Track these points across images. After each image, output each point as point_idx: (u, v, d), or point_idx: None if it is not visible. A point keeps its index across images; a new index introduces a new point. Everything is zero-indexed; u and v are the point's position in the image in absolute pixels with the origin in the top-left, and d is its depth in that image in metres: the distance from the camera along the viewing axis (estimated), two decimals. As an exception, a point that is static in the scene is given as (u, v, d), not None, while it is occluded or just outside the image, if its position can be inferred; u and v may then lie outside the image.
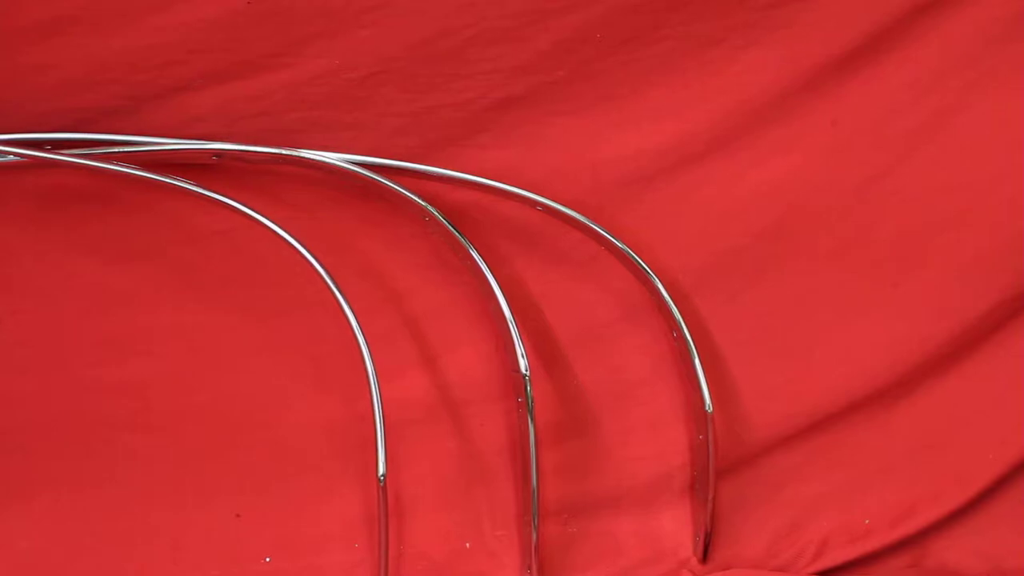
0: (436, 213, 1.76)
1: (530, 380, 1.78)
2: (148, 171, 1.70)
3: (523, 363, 1.78)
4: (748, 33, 1.80)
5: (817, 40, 1.83)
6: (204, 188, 1.71)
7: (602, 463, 1.94)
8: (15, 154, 1.68)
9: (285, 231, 1.71)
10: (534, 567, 1.88)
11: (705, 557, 1.96)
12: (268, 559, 1.88)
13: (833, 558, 1.98)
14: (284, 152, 1.73)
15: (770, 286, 1.91)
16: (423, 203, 1.76)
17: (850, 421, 1.98)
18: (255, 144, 1.74)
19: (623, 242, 1.80)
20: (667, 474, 1.95)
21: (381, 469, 1.72)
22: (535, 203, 1.78)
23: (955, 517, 2.01)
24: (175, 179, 1.71)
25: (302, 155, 1.74)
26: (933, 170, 1.90)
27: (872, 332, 1.94)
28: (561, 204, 1.78)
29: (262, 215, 1.71)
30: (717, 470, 1.90)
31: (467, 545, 1.92)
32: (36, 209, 1.78)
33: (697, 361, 1.83)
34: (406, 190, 1.75)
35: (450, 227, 1.76)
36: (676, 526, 1.96)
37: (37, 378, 1.83)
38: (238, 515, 1.88)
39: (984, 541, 2.01)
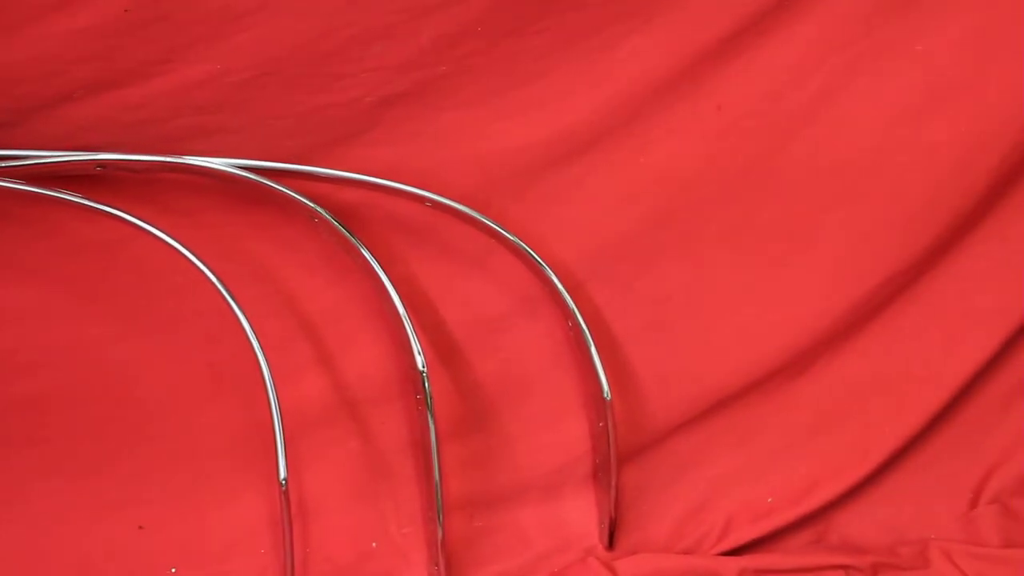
0: (324, 213, 1.75)
1: (427, 376, 1.78)
2: (32, 185, 1.69)
3: (419, 360, 1.77)
4: (628, 21, 1.81)
5: (698, 25, 1.83)
6: (90, 199, 1.69)
7: (504, 455, 1.94)
8: None
9: (173, 239, 1.69)
10: (441, 563, 1.88)
11: (611, 543, 1.97)
12: (174, 569, 1.87)
13: (738, 537, 1.99)
14: (168, 159, 1.72)
15: (663, 272, 1.92)
16: (311, 204, 1.75)
17: (749, 401, 2.00)
18: (139, 152, 1.72)
19: (514, 234, 1.80)
20: (569, 463, 1.96)
21: (282, 473, 1.72)
22: (423, 199, 1.78)
23: (856, 491, 2.03)
24: (60, 192, 1.70)
25: (187, 162, 1.73)
26: (818, 150, 1.91)
27: (766, 312, 1.96)
28: (450, 199, 1.77)
29: (149, 224, 1.69)
30: (619, 456, 1.90)
31: (374, 545, 1.92)
32: (-81, 228, 1.76)
33: (593, 349, 1.83)
34: (293, 192, 1.75)
35: (339, 227, 1.76)
36: (581, 514, 1.97)
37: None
38: (141, 527, 1.87)
39: (886, 513, 2.04)
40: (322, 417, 1.89)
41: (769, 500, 2.01)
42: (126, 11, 1.65)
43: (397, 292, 1.77)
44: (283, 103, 1.76)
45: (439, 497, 1.82)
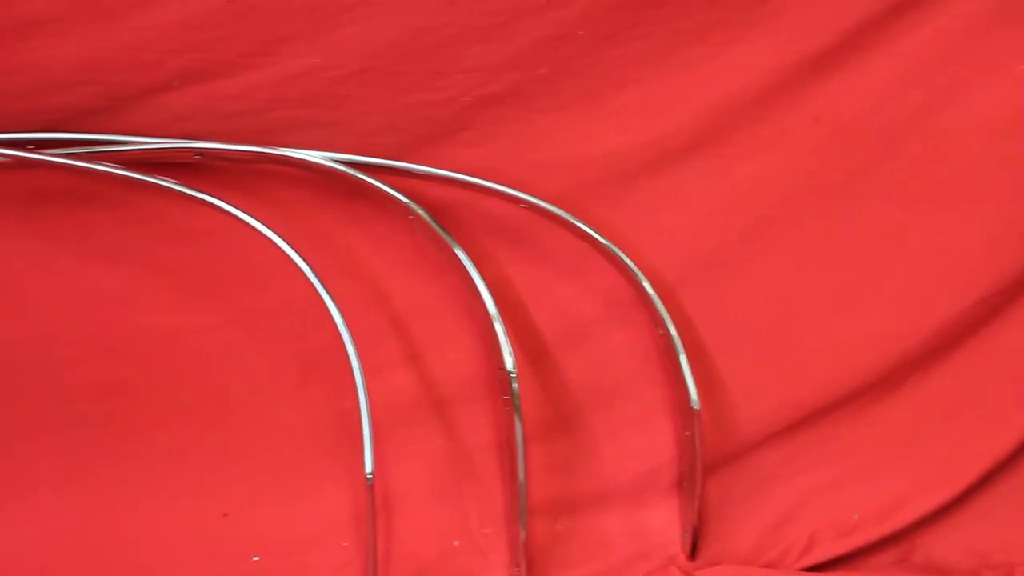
0: (420, 211, 1.76)
1: (516, 378, 1.78)
2: (131, 170, 1.70)
3: (509, 361, 1.77)
4: (730, 30, 1.80)
5: (799, 36, 1.83)
6: (187, 187, 1.70)
7: (589, 460, 1.94)
8: (-2, 154, 1.68)
9: (269, 229, 1.70)
10: (522, 565, 1.87)
11: (693, 553, 1.96)
12: (256, 558, 1.87)
13: (821, 553, 1.97)
14: (267, 151, 1.73)
15: (755, 282, 1.91)
16: (407, 201, 1.76)
17: (837, 416, 1.98)
18: (238, 143, 1.73)
19: (607, 239, 1.80)
20: (654, 470, 1.95)
21: (369, 467, 1.72)
22: (519, 200, 1.77)
23: (943, 512, 2.01)
24: (158, 178, 1.71)
25: (285, 153, 1.74)
26: (916, 167, 1.90)
27: (858, 327, 1.94)
28: (545, 201, 1.77)
29: (246, 213, 1.70)
30: (704, 466, 1.89)
31: (455, 543, 1.92)
32: (20, 209, 1.78)
33: (683, 357, 1.83)
34: (390, 188, 1.75)
35: (434, 225, 1.76)
36: (664, 522, 1.96)
37: (24, 377, 1.84)
38: (225, 514, 1.88)
39: (972, 536, 2.01)
40: (409, 413, 1.89)
41: (854, 517, 1.99)
42: (229, 2, 1.66)
43: (489, 292, 1.77)
44: (380, 99, 1.76)
45: (523, 499, 1.82)
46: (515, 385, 1.78)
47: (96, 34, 1.66)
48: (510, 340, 1.80)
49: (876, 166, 1.90)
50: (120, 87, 1.70)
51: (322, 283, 1.72)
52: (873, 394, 1.98)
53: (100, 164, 1.70)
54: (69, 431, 1.84)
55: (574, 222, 1.78)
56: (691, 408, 1.84)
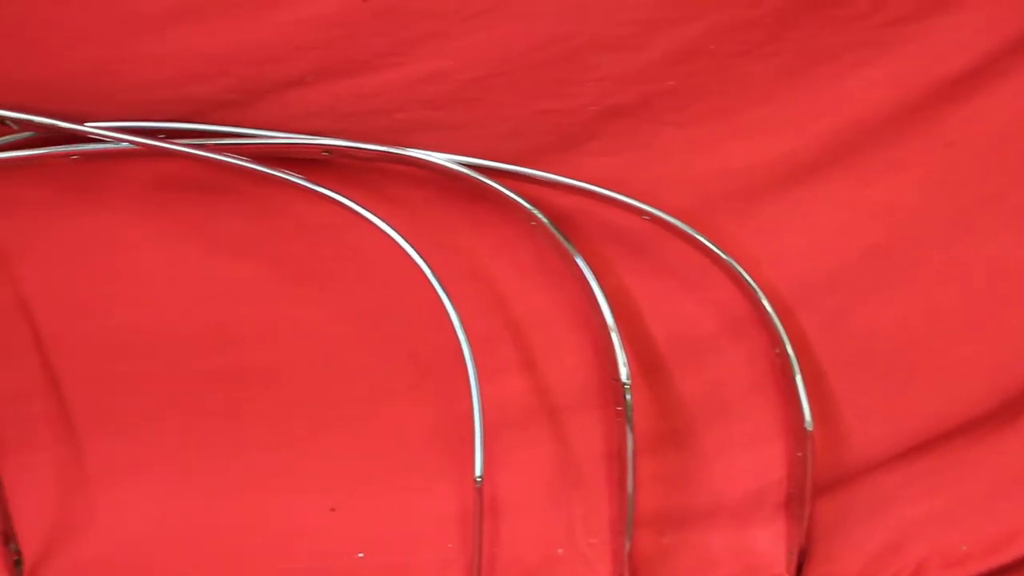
0: (542, 217, 1.76)
1: (630, 389, 1.77)
2: (258, 164, 1.71)
3: (624, 372, 1.77)
4: (863, 51, 1.78)
5: (935, 60, 1.80)
6: (313, 183, 1.72)
7: (698, 475, 1.93)
8: (129, 141, 1.70)
9: (392, 228, 1.71)
10: (626, 576, 1.87)
11: (799, 575, 1.93)
12: (361, 554, 1.89)
13: (928, 582, 1.95)
14: (394, 151, 1.74)
15: (876, 305, 1.89)
16: (529, 207, 1.76)
17: (953, 444, 1.96)
18: (365, 141, 1.74)
19: (728, 254, 1.79)
20: (763, 489, 1.94)
21: (478, 470, 1.72)
22: (642, 212, 1.77)
23: (1056, 548, 1.97)
24: (285, 173, 1.72)
25: (411, 154, 1.74)
26: (1049, 196, 1.86)
27: (979, 354, 1.92)
28: (668, 214, 1.76)
29: (369, 211, 1.71)
30: (814, 488, 1.87)
31: (560, 551, 1.92)
32: (147, 197, 1.81)
33: (799, 377, 1.81)
34: (513, 193, 1.75)
35: (556, 232, 1.76)
36: (770, 542, 1.95)
37: (141, 363, 1.86)
38: (333, 509, 1.90)
39: (1085, 573, 1.98)
40: (520, 419, 1.90)
41: (963, 548, 1.96)
42: (364, 2, 1.67)
43: (607, 302, 1.77)
44: (508, 105, 1.76)
45: (631, 510, 1.81)
46: (629, 396, 1.78)
47: (234, 27, 1.67)
48: (625, 351, 1.79)
49: (1006, 193, 1.87)
50: (252, 81, 1.71)
51: (441, 284, 1.72)
52: (990, 424, 1.95)
53: (228, 156, 1.71)
54: (188, 418, 1.87)
55: (696, 236, 1.78)
56: (804, 429, 1.82)
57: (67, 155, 1.74)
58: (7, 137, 1.74)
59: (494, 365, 1.85)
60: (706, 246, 1.78)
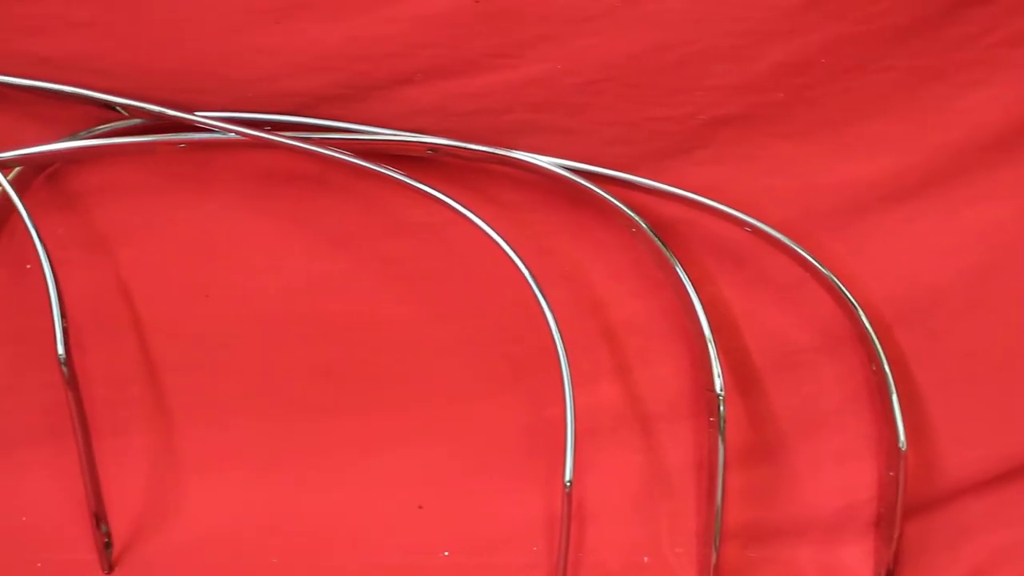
0: (644, 225, 1.76)
1: (724, 400, 1.76)
2: (363, 159, 1.72)
3: (718, 383, 1.76)
4: (975, 71, 1.76)
5: (1050, 82, 1.78)
6: (417, 180, 1.72)
7: (788, 490, 1.92)
8: (236, 132, 1.71)
9: (492, 229, 1.71)
10: (711, 588, 1.86)
11: (886, 595, 1.93)
12: (446, 553, 1.89)
13: (1014, 609, 1.93)
14: (498, 152, 1.74)
15: (975, 326, 1.87)
16: (631, 214, 1.76)
17: (1046, 473, 1.93)
18: (470, 141, 1.74)
19: (829, 269, 1.78)
20: (852, 507, 1.93)
21: (568, 475, 1.72)
22: (744, 223, 1.76)
23: None
24: (389, 169, 1.73)
25: (516, 156, 1.75)
26: None
27: (1081, 381, 1.89)
28: (770, 226, 1.76)
29: (472, 211, 1.71)
30: (904, 508, 1.86)
31: (645, 559, 1.92)
32: (250, 188, 1.83)
33: (894, 396, 1.80)
34: (615, 199, 1.76)
35: (656, 240, 1.76)
36: (857, 561, 1.93)
37: (235, 353, 1.88)
38: (420, 506, 1.90)
39: None
40: (611, 425, 1.90)
41: (1051, 577, 1.95)
42: (476, 2, 1.67)
43: (705, 312, 1.76)
44: (616, 110, 1.76)
45: (719, 522, 1.80)
46: (722, 408, 1.77)
47: (347, 22, 1.68)
48: (720, 362, 1.78)
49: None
50: (362, 76, 1.72)
51: (539, 287, 1.72)
52: (1086, 455, 1.92)
53: (333, 150, 1.72)
54: (282, 410, 1.89)
55: (797, 250, 1.77)
56: (898, 448, 1.81)
57: (174, 143, 1.75)
58: (116, 123, 1.76)
59: (588, 370, 1.86)
60: (807, 260, 1.78)
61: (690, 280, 1.77)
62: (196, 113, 1.71)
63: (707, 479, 1.85)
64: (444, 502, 1.91)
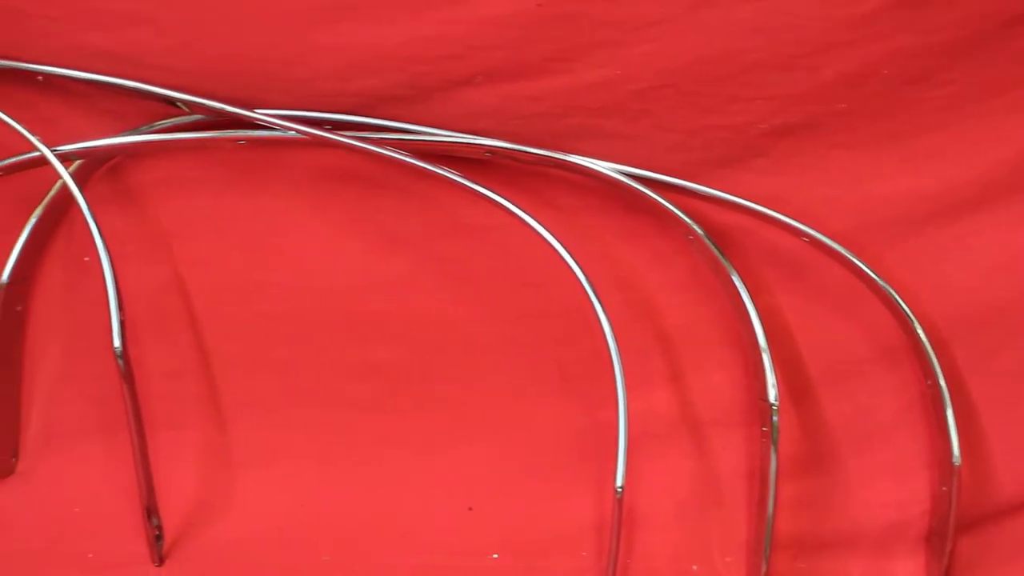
0: (700, 232, 1.76)
1: (777, 410, 1.76)
2: (421, 160, 1.72)
3: (772, 392, 1.76)
4: None
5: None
6: (474, 182, 1.72)
7: (839, 502, 1.91)
8: (296, 130, 1.72)
9: (549, 232, 1.71)
10: (759, 597, 1.86)
11: (936, 611, 1.91)
12: (495, 555, 1.89)
13: (1065, 629, 1.91)
14: (556, 156, 1.75)
15: (1031, 345, 1.85)
16: (688, 221, 1.76)
17: (1098, 492, 1.91)
18: (528, 145, 1.74)
19: (886, 282, 1.77)
20: (904, 521, 1.91)
21: (619, 480, 1.72)
22: (801, 233, 1.76)
23: None
24: (447, 171, 1.73)
25: (574, 160, 1.75)
26: None
27: None
28: (828, 237, 1.75)
29: (528, 214, 1.71)
30: (957, 524, 1.84)
31: (694, 568, 1.91)
32: (309, 186, 1.84)
33: (949, 412, 1.79)
34: (673, 206, 1.75)
35: (713, 247, 1.76)
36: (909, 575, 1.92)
37: (292, 350, 1.89)
38: (470, 508, 1.90)
39: None
40: (663, 431, 1.89)
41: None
42: (539, 6, 1.67)
43: (760, 321, 1.76)
44: (674, 117, 1.76)
45: (769, 531, 1.80)
46: (775, 418, 1.76)
47: (407, 23, 1.68)
48: (775, 372, 1.77)
49: None
50: (423, 77, 1.72)
51: (595, 292, 1.72)
52: None
53: (391, 150, 1.72)
54: (334, 408, 1.89)
55: (855, 261, 1.76)
56: (952, 463, 1.80)
57: (234, 140, 1.76)
58: (177, 119, 1.78)
59: (641, 376, 1.85)
60: (864, 272, 1.77)
61: (746, 288, 1.77)
62: (256, 111, 1.72)
63: (758, 488, 1.85)
64: (494, 504, 1.91)
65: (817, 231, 1.76)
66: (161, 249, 1.85)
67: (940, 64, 1.73)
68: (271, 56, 1.71)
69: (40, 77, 1.73)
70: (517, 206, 1.72)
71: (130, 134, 1.77)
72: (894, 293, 1.77)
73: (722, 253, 1.77)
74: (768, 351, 1.76)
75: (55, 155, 1.69)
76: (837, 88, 1.73)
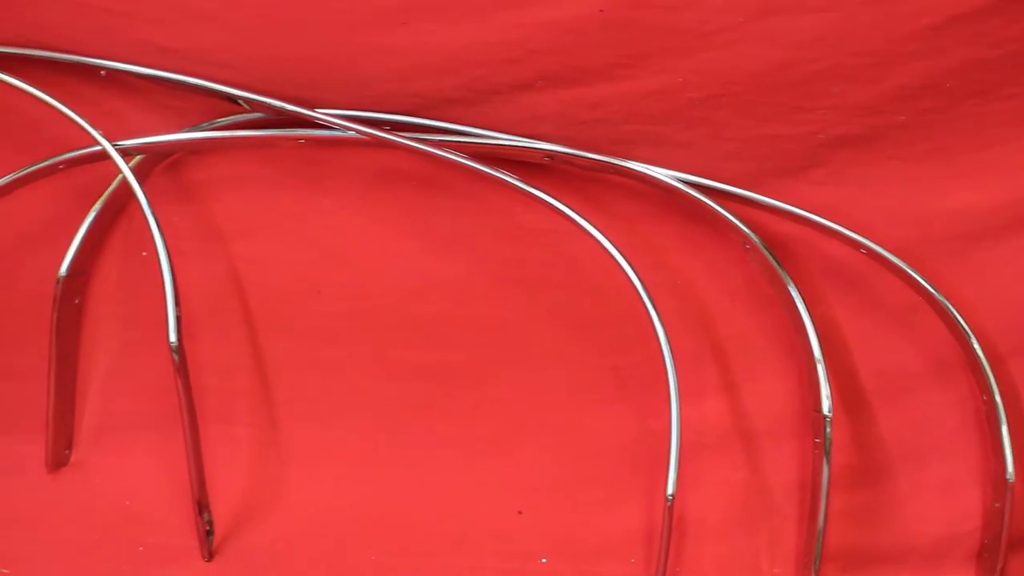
0: (758, 242, 1.75)
1: (831, 422, 1.75)
2: (480, 163, 1.73)
3: (826, 404, 1.75)
4: None
5: None
6: (532, 186, 1.72)
7: (890, 515, 1.90)
8: (355, 130, 1.73)
9: (606, 238, 1.71)
10: (807, 609, 1.85)
11: (984, 628, 1.90)
12: (544, 559, 1.89)
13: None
14: (615, 161, 1.75)
15: (1091, 364, 1.84)
16: (746, 230, 1.75)
17: None
18: (587, 150, 1.74)
19: (944, 296, 1.76)
20: (955, 536, 1.90)
21: (670, 489, 1.72)
22: (859, 245, 1.75)
23: None
24: (505, 174, 1.74)
25: (632, 167, 1.75)
26: None
27: None
28: (885, 249, 1.74)
29: (587, 220, 1.71)
30: (1009, 540, 1.83)
31: (743, 578, 1.91)
32: (367, 187, 1.84)
33: (1005, 427, 1.78)
34: (730, 214, 1.75)
35: (770, 257, 1.75)
36: (958, 592, 1.91)
37: (345, 350, 1.89)
38: (520, 512, 1.90)
39: None
40: (716, 441, 1.89)
41: None
42: (601, 11, 1.67)
43: (816, 332, 1.75)
44: (734, 126, 1.76)
45: (819, 544, 1.79)
46: (828, 429, 1.76)
47: (470, 25, 1.69)
48: (829, 383, 1.76)
49: None
50: (483, 81, 1.73)
51: (651, 299, 1.72)
52: None
53: (450, 153, 1.73)
54: (385, 409, 1.90)
55: (912, 274, 1.75)
56: (1005, 480, 1.79)
57: (294, 139, 1.77)
58: (237, 116, 1.78)
59: (694, 384, 1.85)
60: (921, 285, 1.76)
61: (802, 299, 1.76)
62: (317, 110, 1.73)
63: (809, 500, 1.84)
64: (544, 509, 1.91)
65: (875, 242, 1.75)
66: (219, 246, 1.86)
67: (1002, 78, 1.72)
68: (333, 56, 1.72)
69: (103, 72, 1.74)
70: (575, 211, 1.72)
71: (191, 131, 1.78)
72: (951, 307, 1.77)
73: (779, 263, 1.76)
74: (823, 362, 1.76)
75: (116, 150, 1.70)
76: (898, 100, 1.73)
